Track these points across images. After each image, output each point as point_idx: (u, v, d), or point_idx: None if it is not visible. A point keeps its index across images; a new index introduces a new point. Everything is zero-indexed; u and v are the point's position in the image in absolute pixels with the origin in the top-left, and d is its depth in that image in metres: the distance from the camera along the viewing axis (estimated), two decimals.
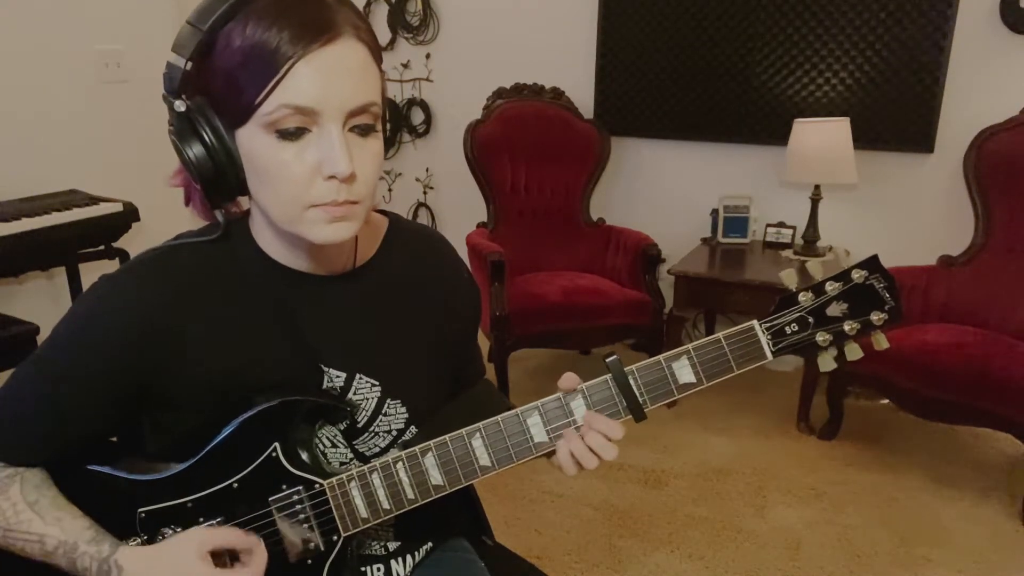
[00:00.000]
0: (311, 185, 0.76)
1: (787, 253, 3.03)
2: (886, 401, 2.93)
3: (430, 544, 1.05)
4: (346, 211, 0.77)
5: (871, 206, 3.07)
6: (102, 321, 0.82)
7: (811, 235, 2.97)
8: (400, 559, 1.00)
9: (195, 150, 0.77)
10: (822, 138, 2.81)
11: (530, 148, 3.29)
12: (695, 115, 3.26)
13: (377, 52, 0.79)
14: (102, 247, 2.73)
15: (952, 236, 2.80)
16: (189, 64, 0.76)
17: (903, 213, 3.02)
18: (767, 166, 3.19)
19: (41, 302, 2.89)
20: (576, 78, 3.41)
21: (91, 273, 2.78)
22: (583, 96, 3.41)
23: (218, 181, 0.79)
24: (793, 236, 3.10)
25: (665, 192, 3.43)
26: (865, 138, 2.91)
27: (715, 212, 3.23)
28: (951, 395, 2.33)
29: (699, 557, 2.12)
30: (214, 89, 0.76)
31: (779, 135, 3.03)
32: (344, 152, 0.74)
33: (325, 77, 0.73)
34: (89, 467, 0.87)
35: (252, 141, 0.76)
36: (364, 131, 0.77)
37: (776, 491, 2.44)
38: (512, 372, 2.98)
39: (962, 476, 2.52)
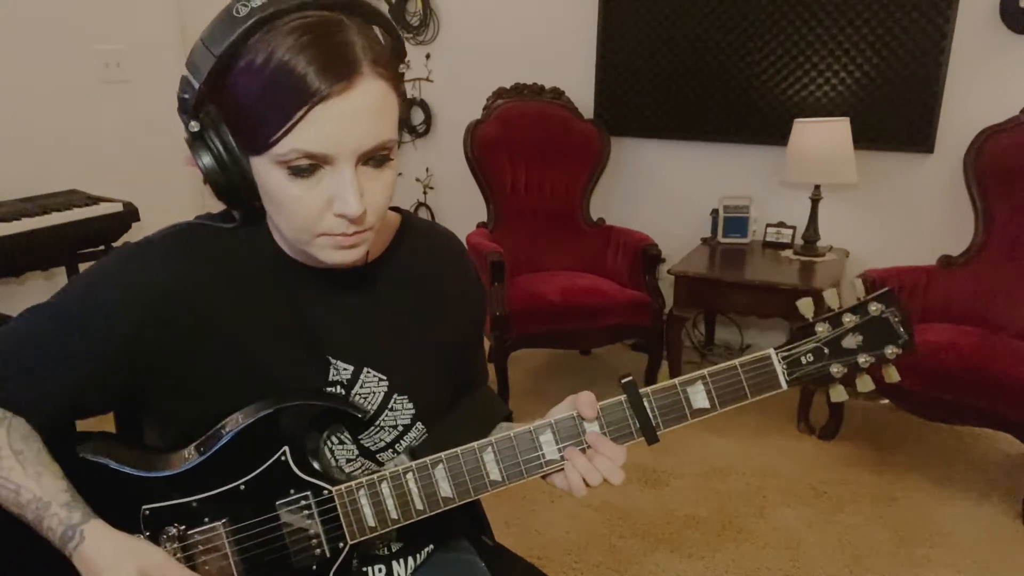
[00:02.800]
0: (322, 218, 0.77)
1: (787, 253, 3.03)
2: (886, 401, 2.93)
3: (431, 546, 1.05)
4: (355, 240, 0.79)
5: (871, 206, 3.07)
6: (124, 286, 0.82)
7: (811, 235, 2.97)
8: (401, 560, 1.00)
9: (209, 166, 0.78)
10: (822, 138, 2.81)
11: (530, 148, 3.29)
12: (695, 115, 3.26)
13: (396, 81, 0.78)
14: (102, 247, 2.73)
15: (952, 236, 2.80)
16: (203, 85, 0.75)
17: (903, 213, 3.02)
18: (767, 166, 3.19)
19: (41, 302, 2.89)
20: (576, 78, 3.41)
21: None
22: (583, 96, 3.41)
23: (232, 192, 0.80)
24: (793, 236, 3.10)
25: (665, 192, 3.43)
26: (865, 138, 2.91)
27: (715, 212, 3.23)
28: (951, 395, 2.33)
29: (699, 557, 2.12)
30: (228, 112, 0.76)
31: (779, 135, 3.03)
32: (355, 194, 0.75)
33: (341, 123, 0.73)
34: (94, 459, 0.87)
35: (264, 172, 0.77)
36: (379, 163, 0.78)
37: (776, 491, 2.44)
38: (512, 372, 2.98)
39: (962, 476, 2.52)
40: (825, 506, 2.36)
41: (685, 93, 3.26)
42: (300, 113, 0.71)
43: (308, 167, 0.74)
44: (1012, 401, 2.21)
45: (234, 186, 0.79)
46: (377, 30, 0.79)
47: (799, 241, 3.04)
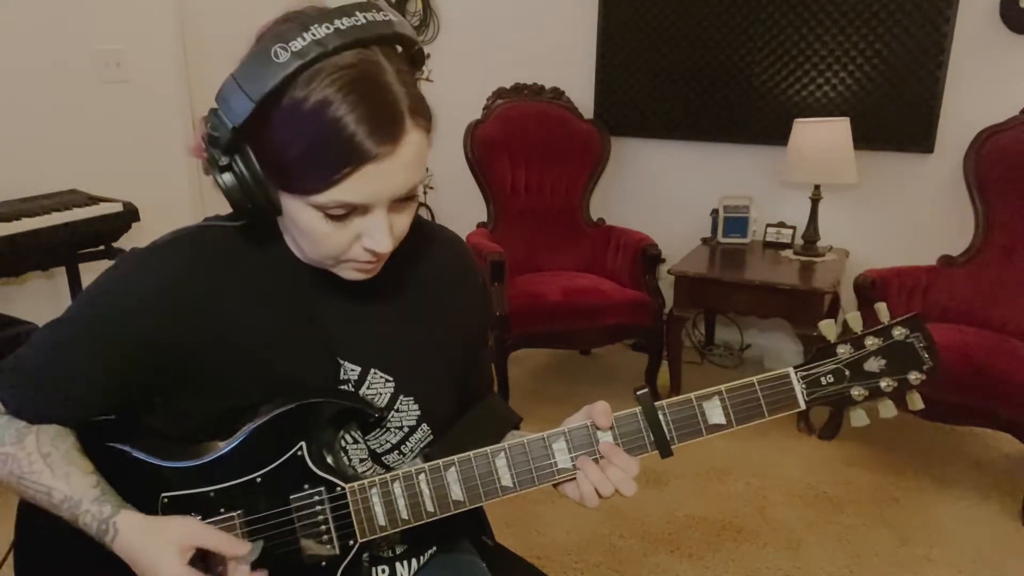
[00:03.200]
0: (348, 249, 0.80)
1: (787, 253, 3.03)
2: None
3: (434, 548, 1.05)
4: (378, 266, 0.83)
5: (871, 206, 3.07)
6: (137, 289, 0.83)
7: (811, 235, 2.97)
8: (405, 562, 1.01)
9: (232, 187, 0.78)
10: (822, 138, 2.81)
11: (530, 148, 3.30)
12: (695, 115, 3.26)
13: (430, 123, 0.80)
14: (102, 247, 2.72)
15: (952, 236, 2.81)
16: (238, 127, 0.73)
17: (903, 213, 3.03)
18: (767, 166, 3.19)
19: (41, 302, 2.88)
20: (576, 78, 3.41)
21: (91, 273, 2.77)
22: (583, 96, 3.41)
23: (253, 213, 0.80)
24: (793, 236, 3.11)
25: (665, 192, 3.43)
26: (865, 138, 2.91)
27: (715, 212, 3.24)
28: (951, 395, 2.33)
29: (699, 557, 2.12)
30: (262, 151, 0.76)
31: (779, 135, 3.03)
32: (387, 234, 0.78)
33: (383, 180, 0.75)
34: (117, 446, 0.88)
35: (296, 209, 0.78)
36: (406, 200, 0.80)
37: (776, 491, 2.44)
38: (512, 372, 2.98)
39: (962, 476, 2.52)
40: (825, 506, 2.36)
41: (685, 93, 3.26)
42: (346, 171, 0.72)
43: (344, 214, 0.76)
44: (1012, 401, 2.21)
45: (257, 208, 0.79)
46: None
47: (799, 241, 3.04)
